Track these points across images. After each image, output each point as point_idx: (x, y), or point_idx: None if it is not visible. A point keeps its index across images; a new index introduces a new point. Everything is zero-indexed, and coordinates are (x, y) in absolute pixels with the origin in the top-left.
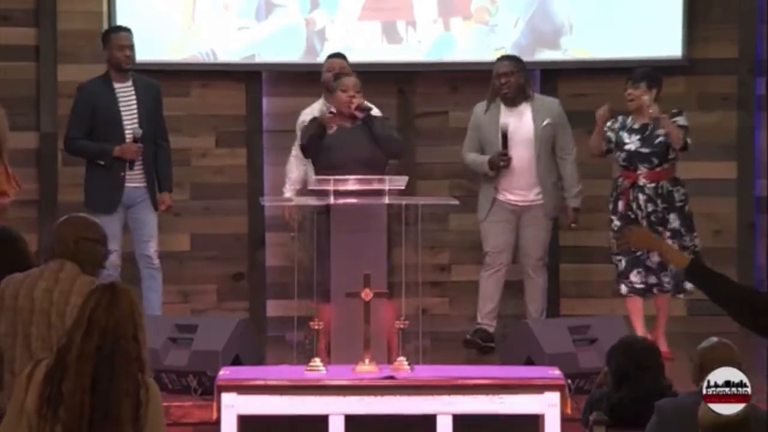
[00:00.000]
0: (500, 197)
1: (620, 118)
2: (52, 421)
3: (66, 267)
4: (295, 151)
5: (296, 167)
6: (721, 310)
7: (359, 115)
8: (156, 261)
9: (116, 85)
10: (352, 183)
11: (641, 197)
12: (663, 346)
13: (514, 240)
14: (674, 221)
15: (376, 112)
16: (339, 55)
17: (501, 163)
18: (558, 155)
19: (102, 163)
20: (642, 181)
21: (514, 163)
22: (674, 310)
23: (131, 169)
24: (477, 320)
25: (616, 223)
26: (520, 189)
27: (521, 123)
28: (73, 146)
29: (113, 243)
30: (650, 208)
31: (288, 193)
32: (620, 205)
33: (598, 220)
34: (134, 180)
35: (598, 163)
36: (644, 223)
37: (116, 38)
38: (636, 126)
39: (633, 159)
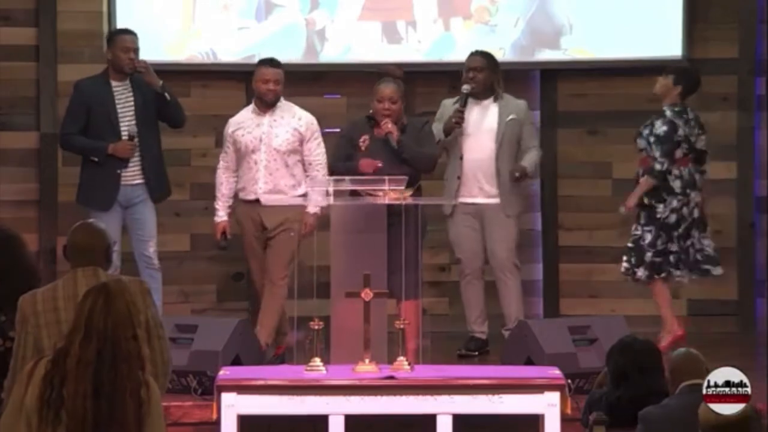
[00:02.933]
0: (461, 200)
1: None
2: (54, 423)
3: (99, 272)
4: (224, 162)
5: (226, 180)
6: (720, 309)
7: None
8: (156, 261)
9: (114, 84)
10: (351, 184)
11: None
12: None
13: (482, 243)
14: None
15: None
16: (271, 62)
17: (454, 119)
18: (522, 149)
19: (96, 159)
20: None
21: (475, 154)
22: (674, 311)
23: (125, 167)
24: (468, 328)
25: None
26: (479, 182)
27: (485, 116)
28: (67, 142)
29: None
30: None
31: (222, 210)
32: None
33: (598, 220)
34: (132, 178)
35: (597, 163)
36: None
37: (121, 40)
38: None
39: None
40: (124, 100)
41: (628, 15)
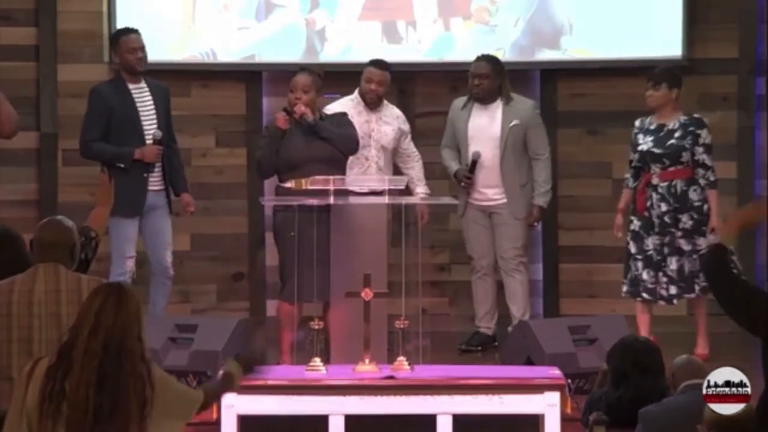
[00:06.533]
0: (471, 200)
1: (639, 120)
2: (54, 417)
3: (60, 269)
4: None
5: None
6: (720, 309)
7: (302, 122)
8: (171, 270)
9: (131, 87)
10: (340, 182)
11: (655, 196)
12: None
13: (492, 241)
14: (687, 222)
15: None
16: (378, 64)
17: (462, 184)
18: (531, 156)
19: (122, 166)
20: (656, 181)
21: (481, 160)
22: (674, 310)
23: (152, 171)
24: (475, 323)
25: (636, 224)
26: (484, 188)
27: (490, 122)
28: (90, 149)
29: (130, 248)
30: (663, 207)
31: None
32: (638, 205)
33: (598, 220)
34: (154, 184)
35: (597, 163)
36: (657, 222)
37: (126, 41)
38: (652, 127)
39: (645, 159)
40: (143, 102)
41: (628, 15)
